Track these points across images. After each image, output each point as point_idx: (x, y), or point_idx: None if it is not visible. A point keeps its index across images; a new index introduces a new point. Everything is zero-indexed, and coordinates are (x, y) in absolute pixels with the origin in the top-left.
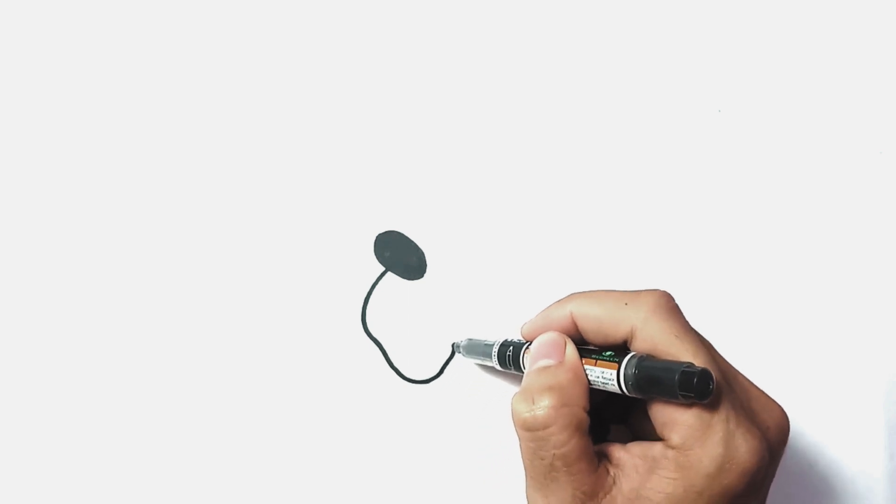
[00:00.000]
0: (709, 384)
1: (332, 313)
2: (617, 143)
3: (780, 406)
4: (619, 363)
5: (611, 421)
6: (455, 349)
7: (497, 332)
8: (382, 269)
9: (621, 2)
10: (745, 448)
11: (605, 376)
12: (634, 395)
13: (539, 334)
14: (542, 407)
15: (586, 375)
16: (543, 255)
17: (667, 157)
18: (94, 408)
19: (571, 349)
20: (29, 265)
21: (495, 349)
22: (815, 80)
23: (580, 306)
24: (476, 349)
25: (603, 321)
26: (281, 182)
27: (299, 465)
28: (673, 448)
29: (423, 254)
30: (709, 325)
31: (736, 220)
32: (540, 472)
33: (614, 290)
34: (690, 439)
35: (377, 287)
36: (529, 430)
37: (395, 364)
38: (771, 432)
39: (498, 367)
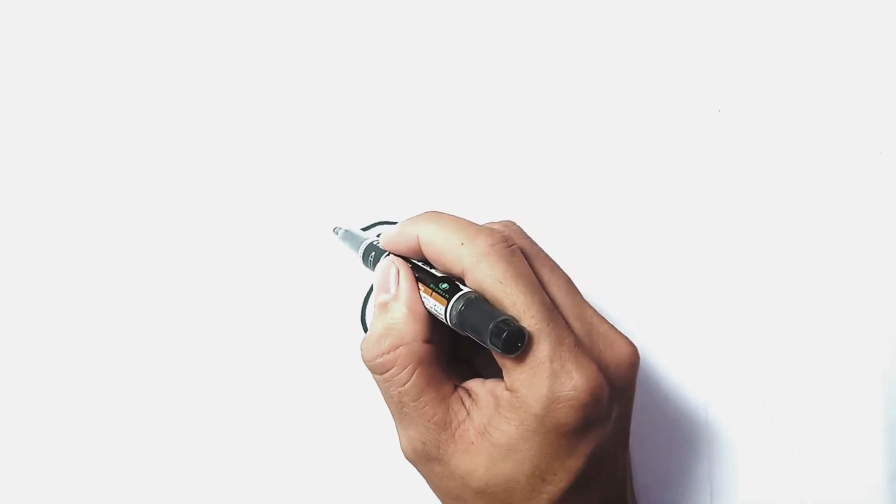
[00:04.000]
0: (517, 341)
1: (331, 313)
2: (617, 142)
3: (626, 342)
4: (448, 300)
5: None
6: (334, 231)
7: None
8: None
9: (621, 2)
10: (571, 385)
11: (436, 308)
12: (458, 326)
13: (392, 248)
14: (381, 352)
15: (424, 304)
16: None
17: (667, 157)
18: (88, 402)
19: (405, 282)
20: (10, 266)
21: (361, 249)
22: (815, 80)
23: (425, 233)
24: (350, 239)
25: (442, 254)
26: (280, 182)
27: (299, 466)
28: (507, 390)
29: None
30: (708, 324)
31: (736, 220)
32: (393, 408)
33: (460, 222)
34: (517, 382)
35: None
36: (375, 374)
37: None
38: (611, 369)
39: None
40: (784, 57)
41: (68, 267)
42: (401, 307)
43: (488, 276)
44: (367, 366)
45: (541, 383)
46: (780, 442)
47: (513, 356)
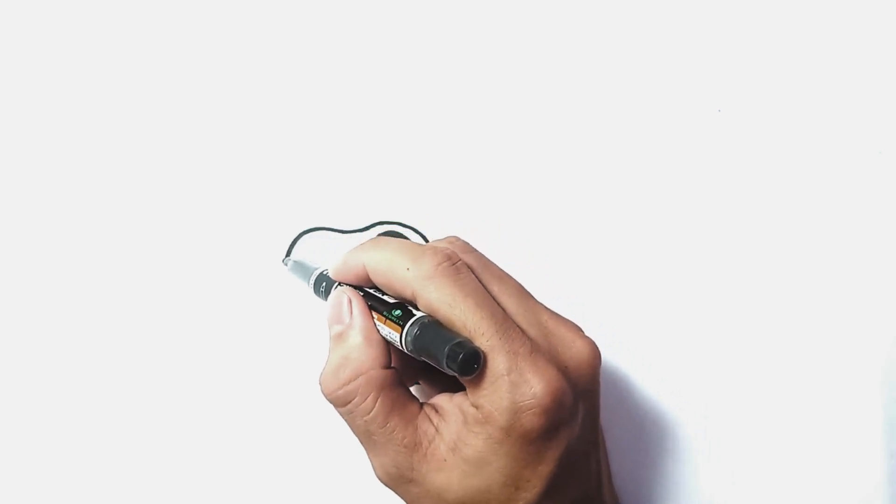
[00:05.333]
0: (473, 363)
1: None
2: (617, 142)
3: (584, 341)
4: (402, 327)
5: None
6: (283, 262)
7: None
8: None
9: (621, 2)
10: (530, 393)
11: (392, 336)
12: (414, 351)
13: (342, 278)
14: (341, 383)
15: (378, 331)
16: (543, 255)
17: (667, 157)
18: (78, 400)
19: (357, 311)
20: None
21: (312, 279)
22: (815, 80)
23: (371, 261)
24: (300, 271)
25: (390, 280)
26: (279, 182)
27: (299, 465)
28: (472, 406)
29: None
30: (708, 324)
31: (736, 220)
32: (362, 437)
33: (405, 245)
34: (480, 398)
35: None
36: (337, 407)
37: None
38: (571, 369)
39: (314, 295)
40: (784, 57)
41: (43, 266)
42: (356, 336)
43: (436, 298)
44: (328, 399)
45: (502, 396)
46: (778, 442)
47: (470, 377)
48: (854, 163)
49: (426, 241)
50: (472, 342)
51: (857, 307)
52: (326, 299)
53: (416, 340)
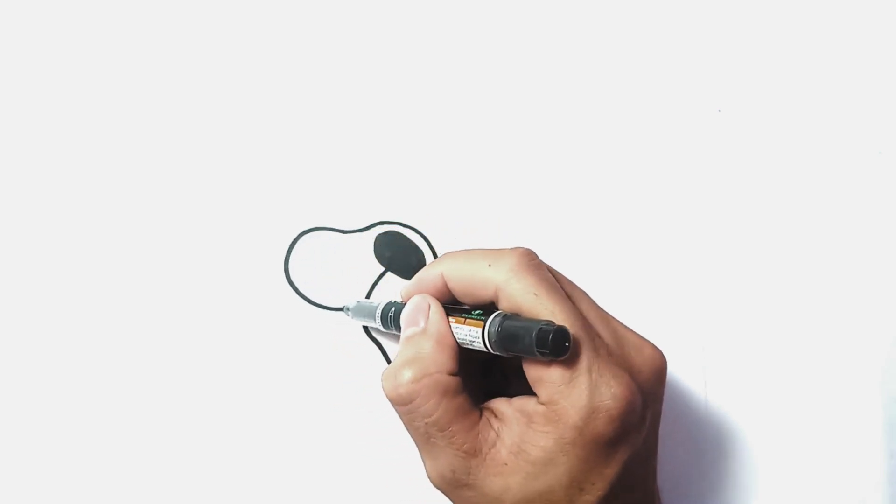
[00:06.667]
0: (565, 341)
1: (332, 314)
2: (617, 142)
3: (653, 348)
4: (485, 322)
5: (512, 374)
6: (344, 312)
7: None
8: (382, 269)
9: (621, 2)
10: (610, 394)
11: (472, 335)
12: (499, 353)
13: (428, 290)
14: (404, 382)
15: (454, 336)
16: (543, 255)
17: (667, 157)
18: (77, 400)
19: (434, 313)
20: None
21: (379, 310)
22: (815, 80)
23: (449, 268)
24: (363, 311)
25: (470, 282)
26: (278, 182)
27: (299, 465)
28: (542, 404)
29: (422, 254)
30: (708, 324)
31: (735, 220)
32: (420, 439)
33: (481, 250)
34: (556, 394)
35: (377, 287)
36: (397, 405)
37: None
38: (643, 374)
39: (382, 329)
40: (784, 57)
41: (43, 265)
42: (429, 339)
43: (521, 290)
44: (388, 396)
45: (580, 394)
46: (778, 441)
47: (561, 358)
48: (854, 163)
49: (426, 241)
50: (553, 324)
51: (857, 307)
52: (395, 326)
53: (502, 330)
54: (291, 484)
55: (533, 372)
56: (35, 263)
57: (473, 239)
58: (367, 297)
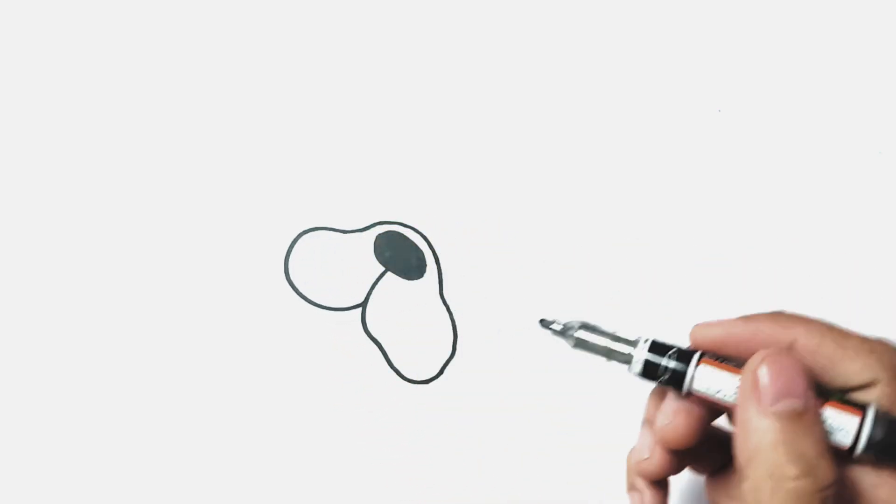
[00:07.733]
0: None
1: (332, 314)
2: (617, 142)
3: None
4: (864, 411)
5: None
6: (550, 328)
7: (496, 329)
8: (382, 269)
9: (621, 2)
10: None
11: (836, 425)
12: (865, 455)
13: (728, 350)
14: (803, 470)
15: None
16: (543, 255)
17: (667, 156)
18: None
19: (809, 389)
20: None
21: (642, 350)
22: (815, 80)
23: (811, 337)
24: (598, 344)
25: (839, 364)
26: (278, 182)
27: (299, 465)
28: None
29: (422, 254)
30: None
31: (736, 220)
32: None
33: (845, 330)
34: None
35: (377, 287)
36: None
37: (395, 364)
38: None
39: (629, 371)
40: (784, 57)
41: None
42: (815, 423)
43: None
44: (784, 487)
45: None
46: None
47: None
48: (854, 163)
49: (426, 241)
50: None
51: (857, 307)
52: (670, 380)
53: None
54: (291, 484)
55: (875, 477)
56: (35, 264)
57: (473, 239)
58: (368, 296)
